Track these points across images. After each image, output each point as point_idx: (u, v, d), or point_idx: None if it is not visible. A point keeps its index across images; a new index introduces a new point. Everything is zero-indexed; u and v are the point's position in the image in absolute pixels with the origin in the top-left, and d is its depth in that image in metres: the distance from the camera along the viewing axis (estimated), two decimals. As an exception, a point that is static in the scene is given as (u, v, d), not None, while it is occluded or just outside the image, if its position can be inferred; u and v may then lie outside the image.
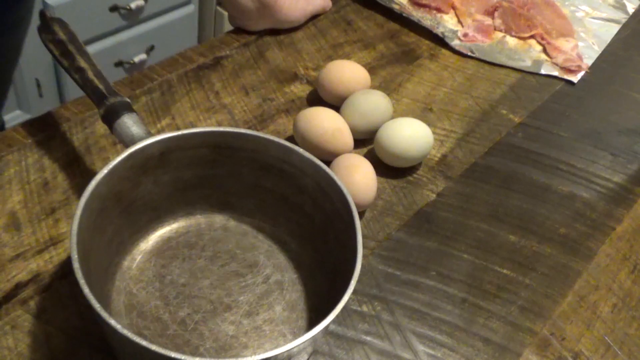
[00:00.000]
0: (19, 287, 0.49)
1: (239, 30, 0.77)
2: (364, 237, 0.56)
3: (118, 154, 0.46)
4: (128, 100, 0.51)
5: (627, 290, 0.58)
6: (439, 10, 0.85)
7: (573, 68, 0.80)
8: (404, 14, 0.83)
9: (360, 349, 0.50)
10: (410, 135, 0.61)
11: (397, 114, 0.69)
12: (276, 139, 0.50)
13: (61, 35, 0.54)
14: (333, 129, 0.60)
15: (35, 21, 0.60)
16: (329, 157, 0.60)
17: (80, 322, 0.48)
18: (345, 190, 0.47)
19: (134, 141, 0.48)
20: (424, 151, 0.62)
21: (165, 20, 1.54)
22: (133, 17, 1.46)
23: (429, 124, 0.65)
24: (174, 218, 0.54)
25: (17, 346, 0.46)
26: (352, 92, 0.66)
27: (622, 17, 0.91)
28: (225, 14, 1.62)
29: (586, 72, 0.80)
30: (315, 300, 0.51)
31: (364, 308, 0.52)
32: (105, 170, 0.45)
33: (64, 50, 0.54)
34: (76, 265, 0.40)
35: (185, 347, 0.47)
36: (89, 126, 0.62)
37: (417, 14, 0.83)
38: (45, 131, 0.61)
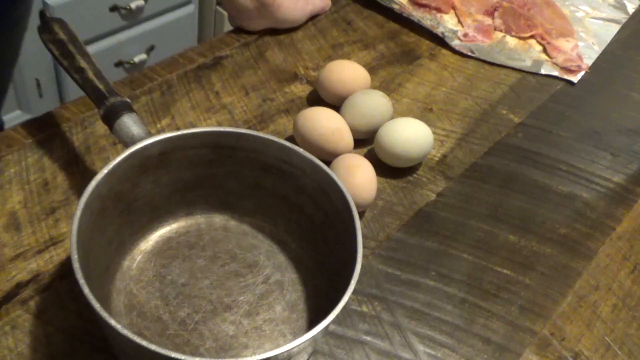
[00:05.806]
0: (19, 287, 0.49)
1: (239, 30, 0.77)
2: (364, 237, 0.56)
3: (118, 154, 0.46)
4: (128, 100, 0.51)
5: (627, 290, 0.58)
6: (439, 10, 0.85)
7: (573, 68, 0.80)
8: (404, 14, 0.83)
9: (360, 349, 0.50)
10: (410, 135, 0.61)
11: (397, 114, 0.69)
12: (276, 139, 0.50)
13: (61, 35, 0.54)
14: (333, 129, 0.60)
15: (35, 21, 0.60)
16: (329, 157, 0.60)
17: (80, 322, 0.48)
18: (345, 190, 0.47)
19: (134, 141, 0.48)
20: (424, 151, 0.62)
21: (165, 20, 1.54)
22: (133, 17, 1.46)
23: (429, 124, 0.65)
24: (174, 218, 0.54)
25: (17, 346, 0.46)
26: (352, 92, 0.66)
27: (622, 17, 0.91)
28: (225, 14, 1.61)
29: (586, 72, 0.80)
30: (315, 300, 0.51)
31: (364, 308, 0.52)
32: (105, 170, 0.45)
33: (64, 50, 0.54)
34: (76, 265, 0.40)
35: (185, 347, 0.47)
36: (89, 126, 0.62)
37: (417, 14, 0.83)
38: (45, 131, 0.61)
